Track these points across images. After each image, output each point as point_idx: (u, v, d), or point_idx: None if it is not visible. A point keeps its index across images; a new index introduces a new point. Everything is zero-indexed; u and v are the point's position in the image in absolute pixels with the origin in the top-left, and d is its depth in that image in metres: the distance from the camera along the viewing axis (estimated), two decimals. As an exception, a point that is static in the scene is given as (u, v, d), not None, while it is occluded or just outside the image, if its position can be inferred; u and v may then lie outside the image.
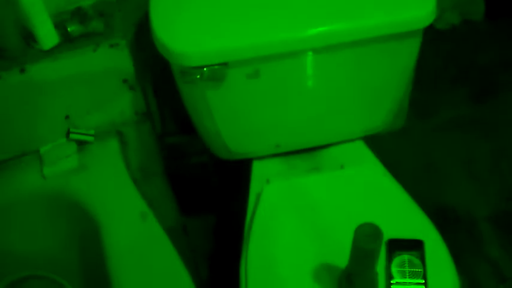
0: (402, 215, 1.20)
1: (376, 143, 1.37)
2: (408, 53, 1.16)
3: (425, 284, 1.09)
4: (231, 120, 1.21)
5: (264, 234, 1.20)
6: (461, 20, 2.11)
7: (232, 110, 1.18)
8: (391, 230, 1.13)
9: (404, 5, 1.07)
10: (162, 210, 1.28)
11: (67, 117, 1.22)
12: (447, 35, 2.08)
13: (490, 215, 1.72)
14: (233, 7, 1.08)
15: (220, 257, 1.70)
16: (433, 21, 1.08)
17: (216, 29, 1.06)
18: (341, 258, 1.05)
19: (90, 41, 1.15)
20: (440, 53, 2.05)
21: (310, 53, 1.10)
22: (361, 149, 1.34)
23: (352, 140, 1.35)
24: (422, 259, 1.11)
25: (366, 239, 0.93)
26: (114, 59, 1.17)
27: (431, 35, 1.20)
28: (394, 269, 1.11)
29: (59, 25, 1.14)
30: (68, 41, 1.15)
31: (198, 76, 1.05)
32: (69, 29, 1.14)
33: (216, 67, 1.05)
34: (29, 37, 1.14)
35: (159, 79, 1.41)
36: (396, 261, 1.12)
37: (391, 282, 1.10)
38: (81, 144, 1.24)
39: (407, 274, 1.10)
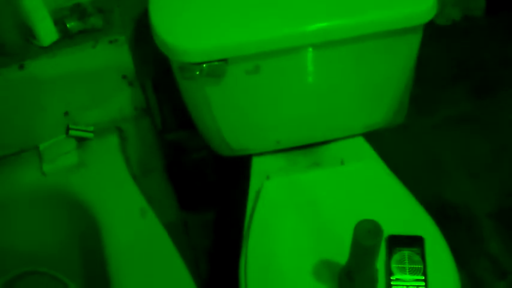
0: (402, 211, 1.20)
1: (377, 139, 1.37)
2: (409, 49, 1.16)
3: (425, 280, 1.08)
4: (230, 117, 1.21)
5: (263, 230, 1.20)
6: (462, 16, 2.11)
7: (232, 106, 1.18)
8: (391, 226, 1.13)
9: (404, 1, 1.06)
10: (161, 206, 1.28)
11: (66, 113, 1.22)
12: (448, 31, 2.08)
13: (490, 211, 1.72)
14: (233, 3, 1.08)
15: (220, 253, 1.70)
16: (434, 17, 1.08)
17: (216, 25, 1.06)
18: (341, 255, 1.05)
19: (89, 37, 1.15)
20: (440, 48, 2.05)
21: (310, 49, 1.09)
22: (362, 145, 1.33)
23: (352, 136, 1.34)
24: (423, 255, 1.11)
25: (366, 236, 0.93)
26: (113, 55, 1.17)
27: (431, 31, 1.20)
28: (394, 265, 1.11)
29: (58, 21, 1.14)
30: (67, 37, 1.15)
31: (198, 72, 1.05)
32: (68, 25, 1.14)
33: (215, 63, 1.05)
34: (28, 33, 1.14)
35: (158, 75, 1.40)
36: (396, 257, 1.12)
37: (391, 278, 1.09)
38: (80, 140, 1.24)
39: (407, 270, 1.10)
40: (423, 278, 1.09)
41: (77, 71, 1.17)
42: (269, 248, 1.17)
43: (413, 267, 1.10)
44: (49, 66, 1.14)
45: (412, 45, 1.15)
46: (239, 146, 1.29)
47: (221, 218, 1.77)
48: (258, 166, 1.32)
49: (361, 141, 1.34)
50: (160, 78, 1.40)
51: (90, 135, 1.24)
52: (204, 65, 1.05)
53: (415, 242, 1.13)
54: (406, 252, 1.12)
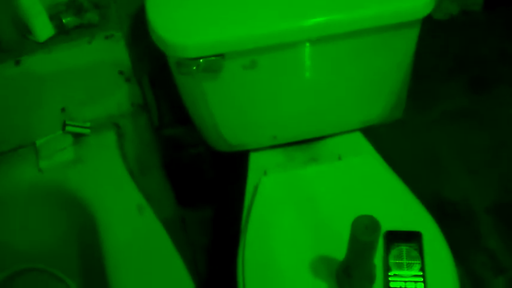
0: (400, 207, 1.20)
1: (374, 134, 1.37)
2: (406, 44, 1.15)
3: (423, 275, 1.08)
4: (227, 112, 1.20)
5: (261, 226, 1.20)
6: (460, 11, 2.11)
7: (229, 102, 1.18)
8: (389, 222, 1.13)
9: (402, -5, 1.06)
10: (159, 202, 1.28)
11: (63, 109, 1.21)
12: (445, 25, 2.08)
13: (489, 206, 1.72)
14: (229, -1, 1.08)
15: (218, 249, 1.70)
16: (432, 12, 1.07)
17: (212, 20, 1.06)
18: (339, 250, 1.05)
19: (85, 32, 1.15)
20: (438, 43, 2.05)
21: (307, 44, 1.09)
22: (359, 140, 1.33)
23: (350, 131, 1.34)
24: (420, 251, 1.11)
25: (364, 231, 0.93)
26: (109, 51, 1.17)
27: (429, 25, 1.20)
28: (392, 261, 1.11)
29: (54, 17, 1.14)
30: (63, 33, 1.15)
31: (195, 68, 1.04)
32: (64, 20, 1.14)
33: (212, 58, 1.05)
34: (24, 29, 1.13)
35: (155, 71, 1.40)
36: (394, 253, 1.11)
37: (389, 274, 1.09)
38: (77, 136, 1.24)
39: (405, 266, 1.10)
40: (421, 273, 1.09)
41: (73, 66, 1.17)
42: (267, 243, 1.17)
43: (411, 263, 1.10)
44: (45, 62, 1.14)
45: (409, 40, 1.15)
46: (236, 141, 1.29)
47: (219, 214, 1.77)
48: (255, 162, 1.32)
49: (358, 137, 1.34)
50: (157, 74, 1.40)
51: (87, 131, 1.24)
52: (201, 60, 1.04)
53: (413, 238, 1.13)
54: (404, 248, 1.12)
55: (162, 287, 1.04)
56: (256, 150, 1.34)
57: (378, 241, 0.95)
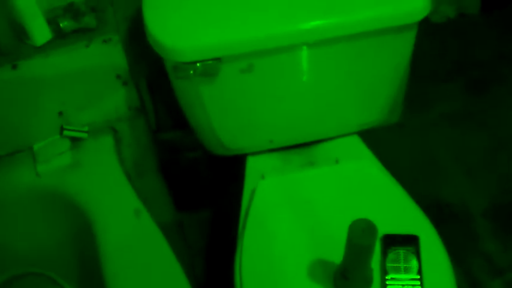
0: (397, 210, 1.20)
1: (372, 137, 1.37)
2: (403, 47, 1.15)
3: (420, 279, 1.08)
4: (224, 116, 1.20)
5: (258, 230, 1.19)
6: (457, 13, 2.11)
7: (226, 105, 1.18)
8: (386, 225, 1.13)
9: (398, -1, 1.06)
10: (156, 206, 1.27)
11: (60, 113, 1.21)
12: (443, 28, 2.08)
13: (486, 208, 1.72)
14: (226, 2, 1.08)
15: (216, 253, 1.70)
16: (429, 15, 1.08)
17: (209, 24, 1.05)
18: (336, 254, 1.05)
19: (82, 36, 1.15)
20: (435, 46, 2.05)
21: (304, 48, 1.09)
22: (356, 144, 1.33)
23: (347, 135, 1.34)
24: (418, 254, 1.11)
25: (361, 235, 0.93)
26: (107, 55, 1.17)
27: (427, 28, 1.20)
28: (389, 265, 1.10)
29: (52, 21, 1.14)
30: (60, 37, 1.15)
31: (192, 71, 1.04)
32: (61, 24, 1.14)
33: (209, 62, 1.05)
34: (21, 33, 1.13)
35: (152, 74, 1.40)
36: (391, 256, 1.11)
37: (386, 277, 1.09)
38: (74, 140, 1.24)
39: (402, 269, 1.10)
40: (418, 277, 1.09)
41: (71, 70, 1.17)
42: (264, 247, 1.17)
43: (408, 266, 1.10)
44: (42, 66, 1.14)
45: (406, 43, 1.15)
46: (233, 145, 1.29)
47: (217, 217, 1.77)
48: (252, 165, 1.32)
49: (356, 140, 1.34)
50: (154, 77, 1.40)
51: (84, 135, 1.24)
52: (198, 64, 1.04)
53: (410, 241, 1.13)
54: (401, 251, 1.12)
55: (159, 291, 1.05)
56: (253, 154, 1.33)
57: (375, 245, 0.96)
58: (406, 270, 1.10)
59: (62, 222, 1.22)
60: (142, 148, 1.34)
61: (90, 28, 1.16)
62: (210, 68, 1.05)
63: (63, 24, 1.14)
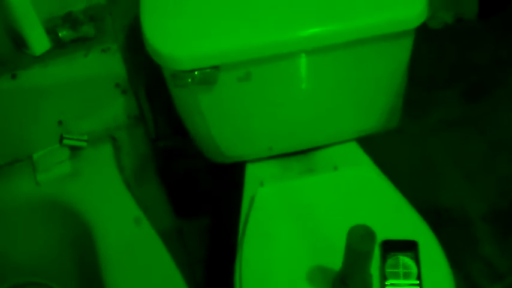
0: (396, 216, 1.20)
1: (370, 143, 1.37)
2: (401, 53, 1.16)
3: (419, 284, 1.08)
4: (223, 124, 1.21)
5: (258, 237, 1.19)
6: (455, 19, 2.11)
7: (224, 113, 1.18)
8: (385, 231, 1.13)
9: (395, 5, 1.07)
10: (156, 214, 1.28)
11: (60, 122, 1.22)
12: (440, 34, 2.09)
13: (485, 212, 1.72)
14: (224, 10, 1.08)
15: (216, 261, 1.70)
16: (426, 21, 1.08)
17: (207, 32, 1.06)
18: (335, 260, 1.04)
19: (81, 46, 1.15)
20: (433, 52, 2.05)
21: (301, 55, 1.10)
22: (355, 150, 1.33)
23: (345, 141, 1.34)
24: (417, 260, 1.11)
25: (359, 241, 0.93)
26: (105, 64, 1.18)
27: (424, 34, 1.20)
28: (388, 270, 1.11)
29: (50, 30, 1.14)
30: (59, 47, 1.15)
31: (190, 80, 1.05)
32: (60, 34, 1.14)
33: (207, 70, 1.05)
34: (20, 43, 1.14)
35: (151, 83, 1.40)
36: (390, 262, 1.11)
37: (386, 283, 1.09)
38: (74, 149, 1.24)
39: (401, 275, 1.10)
40: (417, 282, 1.09)
41: (70, 80, 1.17)
42: (264, 254, 1.17)
43: (407, 272, 1.10)
44: (42, 75, 1.14)
45: (404, 50, 1.15)
46: (232, 153, 1.29)
47: (217, 225, 1.77)
48: (252, 173, 1.32)
49: (354, 146, 1.34)
50: (153, 86, 1.40)
51: (84, 144, 1.24)
52: (196, 73, 1.04)
53: (409, 247, 1.13)
54: (400, 257, 1.12)
55: (159, 299, 1.05)
56: (252, 161, 1.34)
57: (374, 251, 0.96)
58: (406, 275, 1.10)
59: (62, 230, 1.22)
60: (141, 156, 1.35)
61: (88, 37, 1.16)
62: (208, 76, 1.06)
63: (62, 33, 1.14)
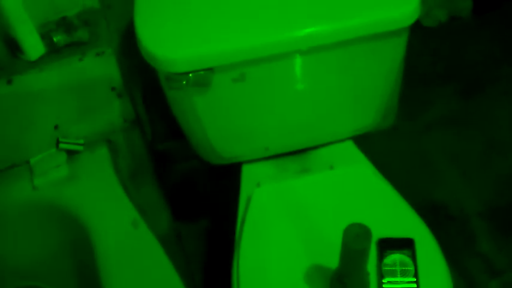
0: (392, 214, 1.20)
1: (366, 142, 1.38)
2: (395, 51, 1.16)
3: (416, 282, 1.09)
4: (218, 125, 1.21)
5: (255, 237, 1.20)
6: (449, 17, 2.12)
7: (220, 115, 1.18)
8: (381, 230, 1.14)
9: (388, 4, 1.07)
10: (154, 217, 1.28)
11: (56, 127, 1.22)
12: (435, 32, 2.09)
13: (481, 210, 1.72)
14: (217, 12, 1.08)
15: (215, 262, 1.70)
16: (421, 19, 1.08)
17: (201, 34, 1.06)
18: (332, 259, 1.05)
19: (76, 50, 1.16)
20: (428, 50, 2.06)
21: (295, 55, 1.10)
22: (351, 149, 1.34)
23: (341, 141, 1.35)
24: (414, 257, 1.11)
25: (355, 240, 0.93)
26: (101, 68, 1.18)
27: (419, 32, 1.20)
28: (385, 268, 1.11)
29: (45, 35, 1.15)
30: (54, 51, 1.15)
31: (184, 82, 1.05)
32: (55, 39, 1.15)
33: (201, 72, 1.05)
34: (15, 48, 1.14)
35: (147, 85, 1.41)
36: (387, 260, 1.12)
37: (383, 281, 1.10)
38: (71, 153, 1.24)
39: (398, 273, 1.10)
40: (414, 280, 1.09)
41: (65, 84, 1.17)
42: (261, 254, 1.17)
43: (404, 270, 1.10)
44: (37, 80, 1.14)
45: (397, 48, 1.15)
46: (228, 154, 1.30)
47: (215, 226, 1.77)
48: (248, 173, 1.32)
49: (350, 145, 1.34)
50: (148, 88, 1.41)
51: (80, 148, 1.24)
52: (190, 75, 1.05)
53: (405, 245, 1.13)
54: (397, 255, 1.12)
55: (157, 302, 1.05)
56: (248, 162, 1.34)
57: (370, 249, 0.96)
58: (403, 273, 1.10)
59: (60, 234, 1.22)
60: (138, 159, 1.35)
61: (83, 42, 1.16)
62: (202, 78, 1.06)
63: (57, 38, 1.15)
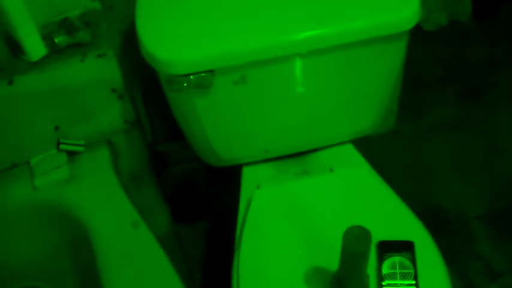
0: (392, 217, 1.20)
1: (366, 144, 1.38)
2: (395, 55, 1.16)
3: (416, 284, 1.09)
4: (219, 127, 1.21)
5: (255, 239, 1.20)
6: (449, 21, 2.12)
7: (220, 117, 1.18)
8: (381, 232, 1.14)
9: (388, 8, 1.07)
10: (154, 218, 1.28)
11: (57, 128, 1.22)
12: (435, 36, 2.09)
13: (481, 213, 1.72)
14: (218, 15, 1.09)
15: (215, 264, 1.70)
16: (421, 23, 1.08)
17: (202, 36, 1.06)
18: (332, 262, 1.05)
19: (77, 51, 1.16)
20: (428, 53, 2.06)
21: (296, 58, 1.10)
22: (350, 152, 1.34)
23: (341, 143, 1.35)
24: (413, 260, 1.12)
25: (355, 242, 0.93)
26: (102, 69, 1.18)
27: (419, 36, 1.21)
28: (385, 271, 1.11)
29: (46, 36, 1.15)
30: (55, 52, 1.16)
31: (185, 84, 1.05)
32: (56, 40, 1.15)
33: (202, 74, 1.05)
34: (16, 49, 1.14)
35: (148, 87, 1.41)
36: (387, 263, 1.12)
37: (382, 284, 1.10)
38: (71, 154, 1.24)
39: (398, 276, 1.10)
40: (414, 282, 1.09)
41: (66, 85, 1.17)
42: (261, 257, 1.17)
43: (404, 272, 1.10)
44: (38, 81, 1.14)
45: (398, 51, 1.16)
46: (228, 156, 1.30)
47: (215, 228, 1.77)
48: (248, 175, 1.33)
49: (349, 148, 1.34)
50: (149, 90, 1.41)
51: (81, 149, 1.24)
52: (191, 77, 1.05)
53: (405, 247, 1.13)
54: (396, 258, 1.12)
55: (157, 302, 1.05)
56: (248, 164, 1.34)
57: (370, 251, 0.96)
58: (402, 276, 1.10)
59: (60, 235, 1.22)
60: (138, 160, 1.35)
61: (84, 43, 1.17)
62: (203, 80, 1.06)
63: (58, 39, 1.15)
